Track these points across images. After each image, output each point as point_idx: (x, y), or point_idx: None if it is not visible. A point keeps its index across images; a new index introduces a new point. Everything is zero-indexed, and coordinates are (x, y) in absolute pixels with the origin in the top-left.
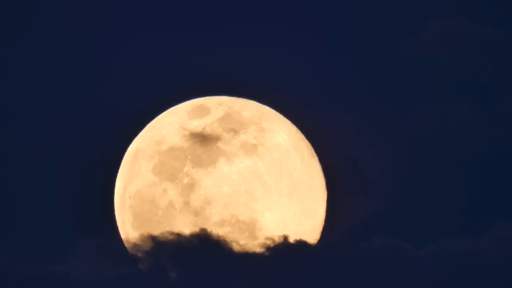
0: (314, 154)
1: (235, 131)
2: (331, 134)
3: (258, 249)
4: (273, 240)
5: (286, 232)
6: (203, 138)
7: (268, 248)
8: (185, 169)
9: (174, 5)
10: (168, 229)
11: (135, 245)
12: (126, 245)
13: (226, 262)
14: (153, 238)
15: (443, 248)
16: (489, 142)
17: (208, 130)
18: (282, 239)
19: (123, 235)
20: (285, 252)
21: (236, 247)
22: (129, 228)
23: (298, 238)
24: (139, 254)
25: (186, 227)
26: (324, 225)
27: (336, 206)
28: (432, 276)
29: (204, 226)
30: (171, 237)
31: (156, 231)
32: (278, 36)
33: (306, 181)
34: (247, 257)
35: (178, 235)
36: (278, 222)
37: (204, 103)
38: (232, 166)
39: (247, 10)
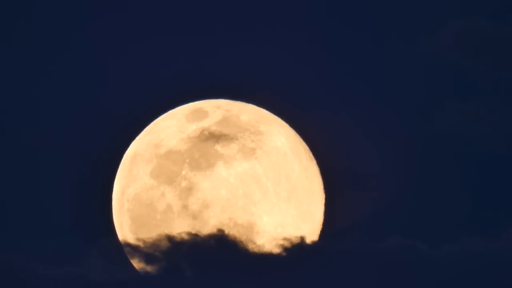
0: (312, 157)
1: (233, 134)
2: (331, 137)
3: (274, 250)
4: (291, 241)
5: (284, 236)
6: (218, 138)
7: (285, 249)
8: (183, 173)
9: (171, 9)
10: (166, 232)
11: (151, 245)
12: (124, 247)
13: (240, 262)
14: (169, 238)
15: (461, 248)
16: (507, 142)
17: (223, 131)
18: (299, 240)
19: (121, 238)
20: (299, 252)
21: (252, 248)
22: (127, 231)
23: (302, 240)
24: (156, 254)
25: (184, 230)
26: (322, 228)
27: (335, 208)
28: (449, 276)
29: (202, 230)
30: (187, 237)
31: (154, 234)
32: (278, 38)
33: (304, 184)
34: (262, 258)
35: (195, 235)
36: (276, 226)
37: (202, 107)
38: (230, 170)
39: (245, 13)
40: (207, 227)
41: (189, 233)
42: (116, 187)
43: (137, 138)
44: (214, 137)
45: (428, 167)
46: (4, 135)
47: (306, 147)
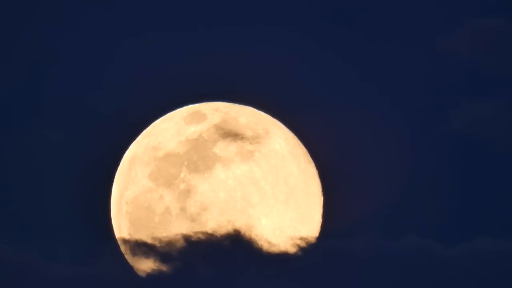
0: (311, 160)
1: (231, 137)
2: (329, 139)
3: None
4: (307, 240)
5: (282, 238)
6: (235, 136)
7: (301, 249)
8: (182, 175)
9: (169, 11)
10: (164, 235)
11: (168, 244)
12: (141, 247)
13: (257, 262)
14: (185, 238)
15: (475, 248)
16: None
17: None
18: (312, 240)
19: (119, 241)
20: (312, 252)
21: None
22: (126, 234)
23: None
24: (173, 253)
25: (182, 233)
26: (321, 230)
27: (334, 210)
28: (464, 277)
29: (185, 234)
30: (202, 237)
31: (152, 237)
32: (277, 40)
33: (303, 187)
34: (278, 258)
35: (210, 235)
36: (274, 228)
37: (200, 109)
38: (229, 172)
39: (243, 16)
40: (205, 230)
41: (204, 233)
42: (114, 189)
43: (136, 140)
44: (230, 135)
45: (444, 166)
46: (3, 138)
47: (305, 150)
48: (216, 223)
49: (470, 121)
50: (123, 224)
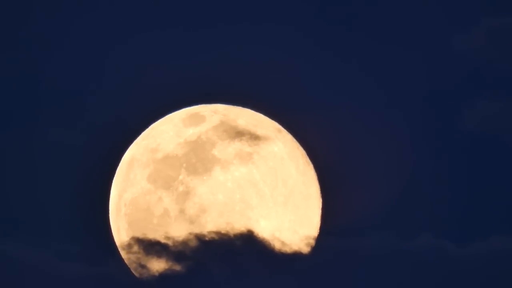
0: (309, 162)
1: (230, 139)
2: (328, 141)
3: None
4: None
5: (281, 240)
6: (233, 138)
7: (311, 247)
8: (180, 177)
9: (169, 13)
10: (163, 237)
11: (181, 243)
12: (154, 246)
13: (270, 261)
14: (198, 237)
15: (490, 247)
16: None
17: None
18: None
19: (118, 243)
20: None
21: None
22: (124, 235)
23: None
24: (187, 253)
25: (181, 235)
26: (319, 232)
27: (332, 213)
28: (478, 276)
29: (199, 234)
30: (216, 237)
31: (151, 238)
32: (276, 42)
33: (301, 189)
34: (290, 257)
35: (224, 234)
36: (273, 230)
37: (199, 111)
38: (227, 174)
39: (241, 18)
40: (204, 232)
41: (217, 233)
42: (113, 191)
43: (134, 142)
44: (228, 137)
45: (458, 165)
46: (3, 139)
47: (303, 152)
48: (215, 225)
49: (484, 120)
50: (122, 226)
